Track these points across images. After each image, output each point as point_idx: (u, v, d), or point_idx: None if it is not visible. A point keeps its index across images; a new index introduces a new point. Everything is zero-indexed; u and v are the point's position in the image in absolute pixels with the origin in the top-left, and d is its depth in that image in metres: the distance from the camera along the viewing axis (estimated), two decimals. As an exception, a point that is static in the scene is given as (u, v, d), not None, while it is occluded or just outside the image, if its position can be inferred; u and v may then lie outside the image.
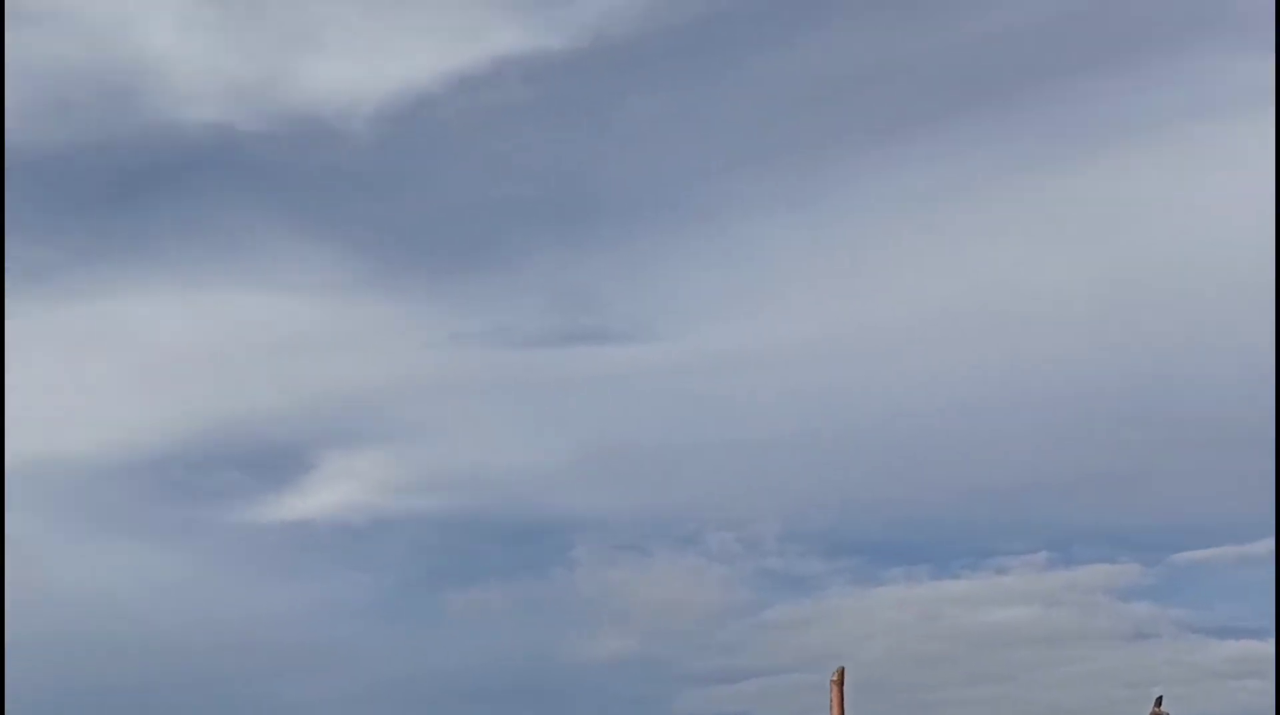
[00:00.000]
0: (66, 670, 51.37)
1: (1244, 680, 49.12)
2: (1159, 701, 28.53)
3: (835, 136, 61.73)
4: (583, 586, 57.21)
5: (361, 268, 61.75)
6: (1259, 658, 46.79)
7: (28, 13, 56.25)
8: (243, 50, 59.31)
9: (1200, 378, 56.39)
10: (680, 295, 61.06)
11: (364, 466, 59.51)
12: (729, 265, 60.82)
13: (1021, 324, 59.06)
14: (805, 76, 61.95)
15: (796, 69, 61.79)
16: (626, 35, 59.71)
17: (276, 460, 58.94)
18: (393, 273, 62.42)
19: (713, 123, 62.34)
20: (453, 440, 60.16)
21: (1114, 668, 52.83)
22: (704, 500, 58.39)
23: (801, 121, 62.20)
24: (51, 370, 57.83)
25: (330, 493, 58.26)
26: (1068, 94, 59.78)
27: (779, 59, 61.80)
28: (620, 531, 58.01)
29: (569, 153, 62.72)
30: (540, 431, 60.10)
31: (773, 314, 59.84)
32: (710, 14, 61.16)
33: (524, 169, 62.36)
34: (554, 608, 56.71)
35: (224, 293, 60.65)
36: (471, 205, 62.62)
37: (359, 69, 59.93)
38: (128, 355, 59.33)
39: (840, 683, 25.68)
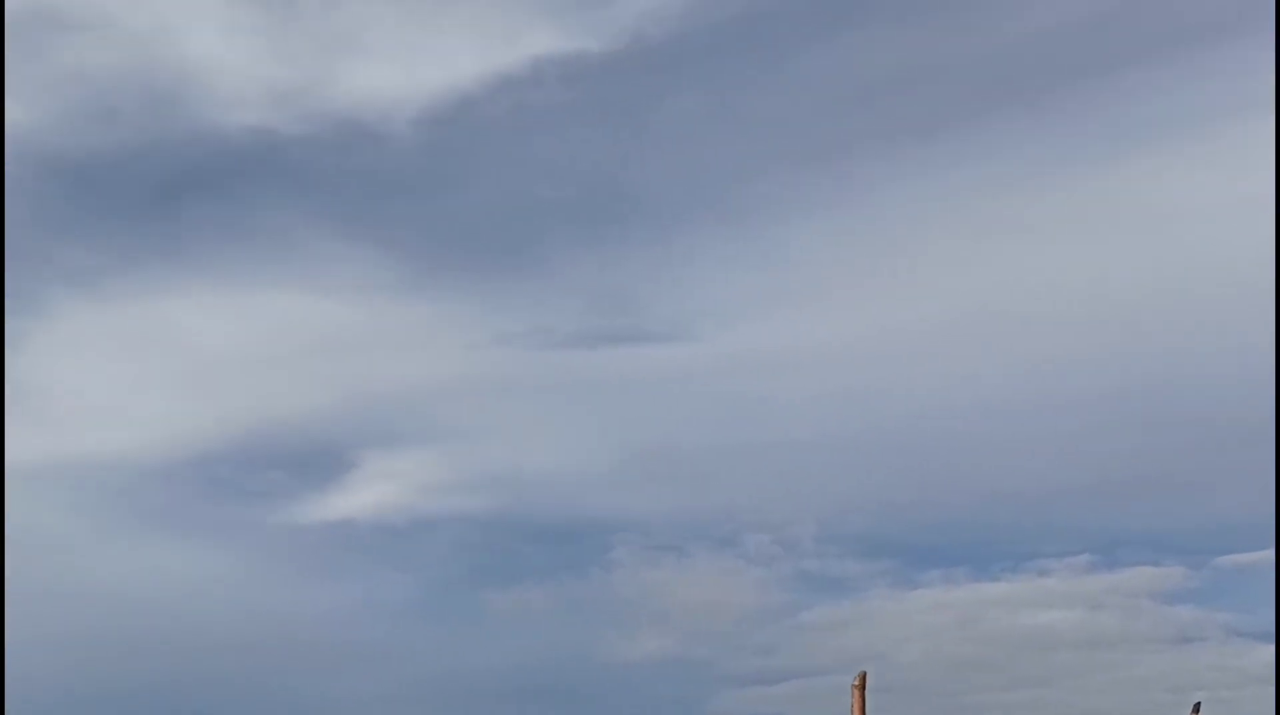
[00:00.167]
0: (109, 668, 52.04)
1: (1290, 685, 48.67)
2: (1197, 708, 28.34)
3: (871, 137, 61.61)
4: (621, 587, 57.43)
5: (403, 269, 62.18)
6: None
7: (71, 21, 57.25)
8: (284, 55, 59.78)
9: (1244, 377, 55.74)
10: (718, 296, 61.07)
11: (405, 467, 59.96)
12: (767, 266, 60.83)
13: (1062, 324, 58.79)
14: (842, 77, 61.96)
15: (833, 70, 61.81)
16: (664, 36, 59.78)
17: (318, 460, 59.44)
18: (433, 274, 62.84)
19: (750, 124, 62.38)
20: (493, 441, 60.48)
21: (1157, 673, 52.54)
22: (742, 502, 58.48)
23: (838, 122, 62.20)
24: (97, 372, 58.79)
25: (371, 493, 58.73)
26: (1101, 94, 59.45)
27: (816, 60, 61.83)
28: (659, 533, 58.18)
29: (607, 154, 62.91)
30: (580, 432, 60.40)
31: (811, 315, 59.84)
32: (748, 15, 61.18)
33: (563, 170, 62.61)
34: (593, 608, 56.98)
35: (267, 294, 61.20)
36: (511, 206, 62.91)
37: (399, 72, 60.27)
38: (172, 357, 60.05)
39: (862, 687, 25.62)
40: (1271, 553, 53.37)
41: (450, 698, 53.27)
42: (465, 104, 59.96)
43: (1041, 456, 58.02)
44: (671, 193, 62.93)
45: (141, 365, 59.43)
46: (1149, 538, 56.47)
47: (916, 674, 53.49)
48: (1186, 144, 58.14)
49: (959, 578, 56.49)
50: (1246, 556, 54.53)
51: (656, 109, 62.84)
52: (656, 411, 60.00)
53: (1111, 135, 58.79)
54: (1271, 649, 51.10)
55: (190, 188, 61.59)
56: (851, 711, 25.67)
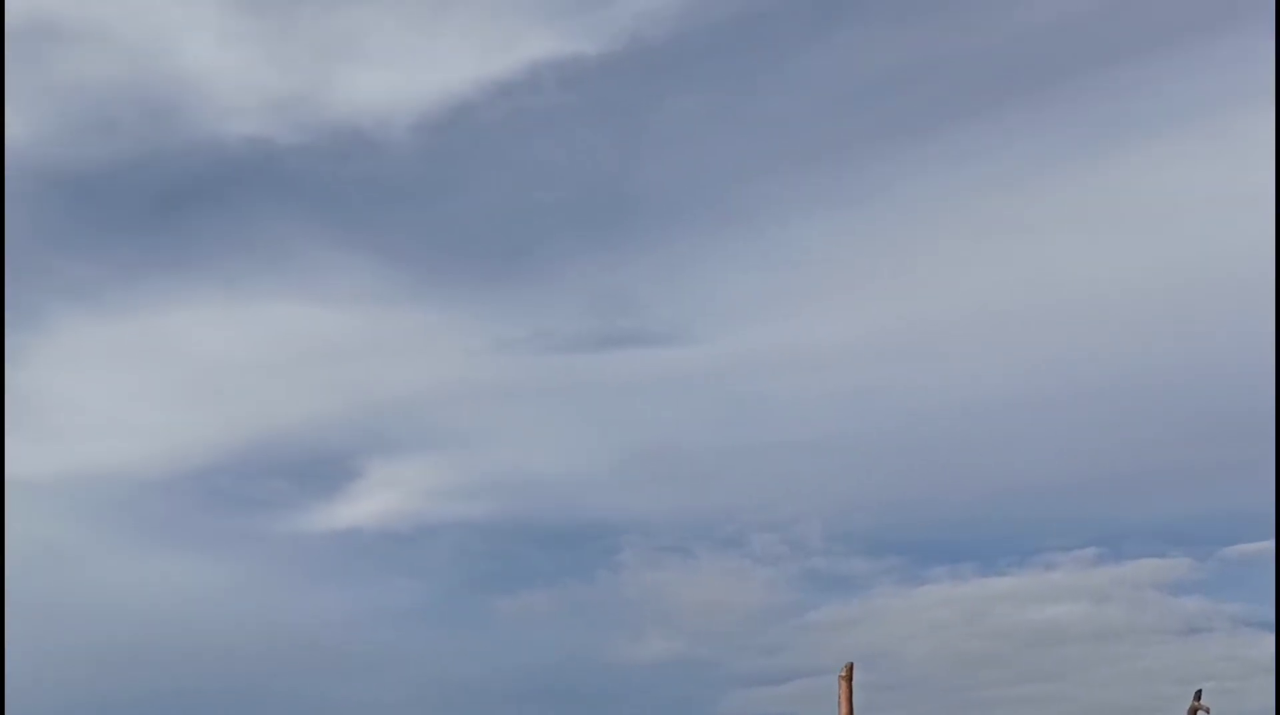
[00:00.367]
0: (113, 679, 52.08)
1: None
2: (1198, 695, 28.37)
3: (872, 136, 61.55)
4: (627, 589, 57.46)
5: (403, 276, 62.25)
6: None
7: (69, 33, 57.37)
8: (281, 63, 59.87)
9: (1249, 370, 55.66)
10: (720, 297, 61.12)
11: (409, 473, 60.02)
12: (768, 266, 60.79)
13: (1064, 319, 58.77)
14: (842, 76, 61.91)
15: (833, 68, 61.77)
16: (662, 38, 59.81)
17: (322, 469, 59.56)
18: (434, 280, 62.89)
19: (750, 124, 62.39)
20: (497, 445, 60.55)
21: (1165, 664, 52.42)
22: (747, 501, 58.51)
23: (838, 122, 62.15)
24: (98, 384, 58.91)
25: (376, 500, 58.79)
26: (1106, 87, 59.39)
27: (815, 60, 61.83)
28: (664, 534, 58.23)
29: (607, 156, 63.00)
30: (583, 435, 60.44)
31: (813, 314, 59.81)
32: (745, 16, 61.20)
33: (562, 174, 62.66)
34: (599, 610, 57.03)
35: (267, 304, 61.31)
36: (511, 211, 62.94)
37: (396, 78, 60.35)
38: (172, 368, 60.16)
39: (849, 678, 25.69)
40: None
41: (457, 702, 53.37)
42: (463, 109, 60.11)
43: (1046, 451, 58.09)
44: (671, 194, 63.05)
45: (142, 376, 59.66)
46: (1154, 530, 56.59)
47: (924, 670, 53.54)
48: (1187, 138, 58.14)
49: (965, 573, 56.52)
50: (1253, 546, 54.44)
51: (655, 110, 62.96)
52: (659, 413, 60.13)
53: (1119, 129, 58.91)
54: (1279, 639, 51.16)
55: (189, 198, 61.82)
56: (839, 701, 25.73)
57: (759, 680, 53.70)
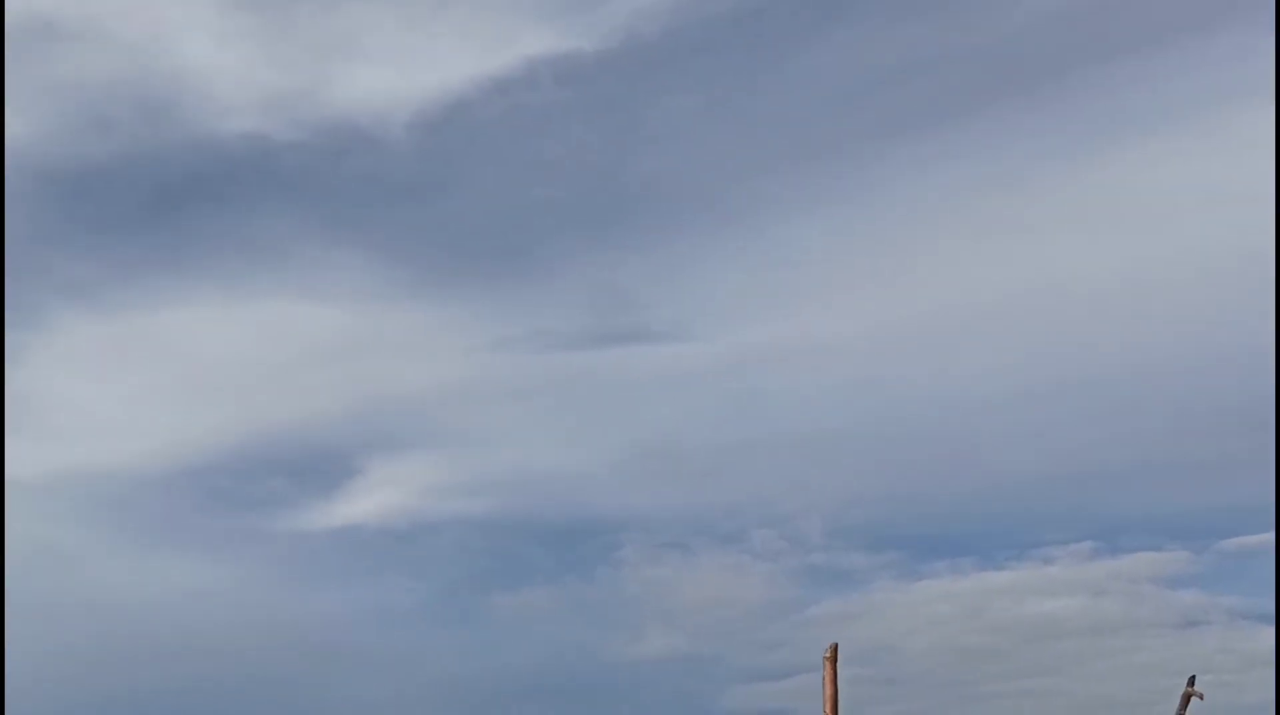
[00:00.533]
0: (113, 679, 52.12)
1: (1298, 667, 48.50)
2: (1192, 681, 28.36)
3: (871, 132, 61.43)
4: (628, 586, 57.49)
5: (401, 274, 62.19)
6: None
7: (65, 30, 57.29)
8: (278, 61, 59.77)
9: (1247, 363, 55.75)
10: (719, 294, 61.08)
11: (409, 471, 60.01)
12: (767, 263, 60.74)
13: (1063, 314, 58.76)
14: (840, 73, 61.80)
15: (831, 65, 61.68)
16: (658, 34, 59.68)
17: (321, 467, 59.52)
18: (432, 278, 62.78)
19: (749, 120, 62.29)
20: (496, 443, 60.52)
21: (1162, 658, 52.42)
22: (747, 498, 58.55)
23: (838, 118, 62.03)
24: (96, 383, 58.82)
25: (375, 498, 58.78)
26: (1105, 84, 59.23)
27: (812, 56, 61.69)
28: (664, 530, 58.23)
29: (604, 153, 62.88)
30: (583, 433, 60.43)
31: (811, 311, 59.84)
32: (741, 12, 61.05)
33: (560, 171, 62.54)
34: (600, 608, 57.05)
35: (265, 302, 61.23)
36: (508, 209, 62.85)
37: (394, 76, 60.27)
38: (171, 367, 60.08)
39: (833, 659, 25.58)
40: (1275, 535, 53.53)
41: (459, 700, 53.43)
42: (460, 107, 60.03)
43: (1043, 446, 58.11)
44: (670, 191, 62.95)
45: (141, 375, 59.58)
46: (1151, 523, 56.58)
47: (924, 664, 53.66)
48: (1187, 134, 58.05)
49: (965, 568, 56.61)
50: (1250, 539, 54.49)
51: (653, 107, 62.86)
52: (659, 410, 60.10)
53: (1113, 126, 58.72)
54: (1277, 632, 51.21)
55: (187, 196, 61.70)
56: (823, 682, 25.63)
57: (760, 676, 53.87)
